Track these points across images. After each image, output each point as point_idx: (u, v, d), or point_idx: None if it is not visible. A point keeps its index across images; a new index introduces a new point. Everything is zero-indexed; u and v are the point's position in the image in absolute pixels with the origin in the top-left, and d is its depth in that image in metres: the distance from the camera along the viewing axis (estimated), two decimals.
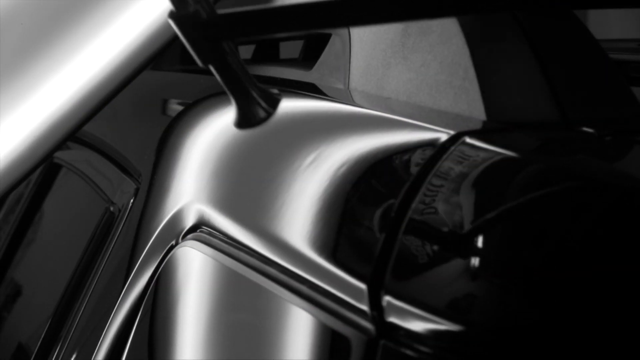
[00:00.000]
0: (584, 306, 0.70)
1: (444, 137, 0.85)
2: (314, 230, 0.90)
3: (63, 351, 1.30)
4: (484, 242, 0.76)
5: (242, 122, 0.78)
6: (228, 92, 0.79)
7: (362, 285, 0.80)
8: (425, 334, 0.75)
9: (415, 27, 1.05)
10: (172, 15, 0.78)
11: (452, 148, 0.84)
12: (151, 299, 1.10)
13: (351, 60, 1.12)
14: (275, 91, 0.78)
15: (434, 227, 0.80)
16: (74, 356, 1.26)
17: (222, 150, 1.13)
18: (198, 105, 1.29)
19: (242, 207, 1.04)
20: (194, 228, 1.08)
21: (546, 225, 0.75)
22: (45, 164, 1.70)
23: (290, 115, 1.05)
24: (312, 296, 0.85)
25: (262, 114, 0.77)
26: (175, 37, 1.04)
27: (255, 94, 0.78)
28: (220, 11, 0.78)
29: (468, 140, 0.84)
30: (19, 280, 1.80)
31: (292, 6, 0.76)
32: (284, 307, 0.88)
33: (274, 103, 0.77)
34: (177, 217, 1.12)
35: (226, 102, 1.22)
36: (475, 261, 0.76)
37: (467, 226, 0.78)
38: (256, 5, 0.77)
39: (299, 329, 0.86)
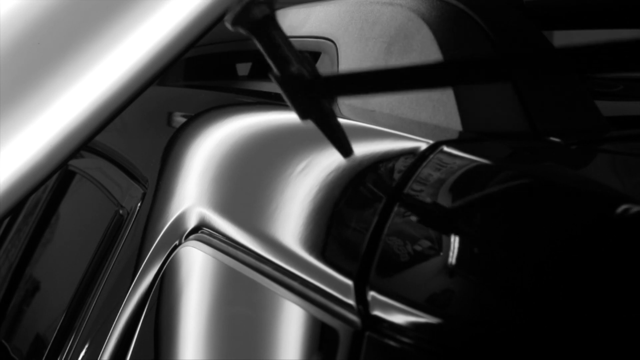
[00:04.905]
0: (548, 299, 0.70)
1: (423, 146, 0.85)
2: (305, 231, 0.89)
3: (77, 341, 1.29)
4: (460, 242, 0.76)
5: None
6: (326, 137, 0.82)
7: (349, 282, 0.80)
8: (406, 326, 0.75)
9: (397, 46, 1.04)
10: (275, 77, 0.76)
11: (431, 156, 0.84)
12: (157, 294, 1.10)
13: None
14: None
15: (415, 228, 0.80)
16: (86, 346, 1.26)
17: (221, 158, 1.12)
18: (199, 117, 1.29)
19: (240, 210, 1.04)
20: (195, 229, 1.07)
21: (517, 226, 0.75)
22: (61, 171, 1.71)
23: (284, 126, 1.05)
24: (303, 291, 0.85)
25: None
26: (179, 55, 1.04)
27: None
28: (322, 72, 0.76)
29: (445, 149, 0.84)
30: (37, 276, 1.79)
31: (386, 70, 0.76)
32: (277, 302, 0.88)
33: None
34: (180, 219, 1.12)
35: (225, 115, 1.23)
36: (452, 259, 0.75)
37: (445, 227, 0.78)
38: (355, 68, 0.76)
39: (292, 321, 0.86)
